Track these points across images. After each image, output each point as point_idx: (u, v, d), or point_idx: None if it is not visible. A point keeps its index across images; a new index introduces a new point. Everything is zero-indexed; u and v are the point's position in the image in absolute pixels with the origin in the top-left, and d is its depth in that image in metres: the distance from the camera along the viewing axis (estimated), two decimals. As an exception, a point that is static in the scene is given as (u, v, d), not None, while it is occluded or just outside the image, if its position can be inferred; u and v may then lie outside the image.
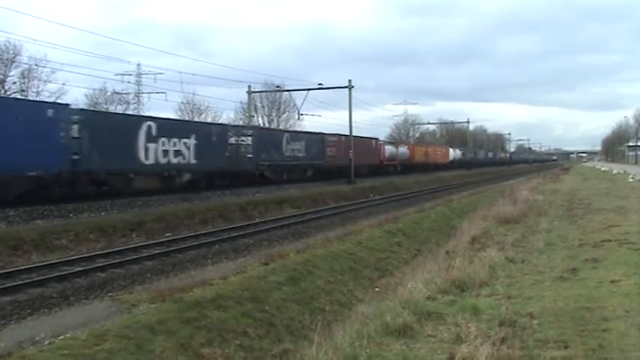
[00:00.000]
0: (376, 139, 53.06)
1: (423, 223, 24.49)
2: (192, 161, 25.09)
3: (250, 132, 31.19)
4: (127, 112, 49.80)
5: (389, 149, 53.43)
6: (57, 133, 18.57)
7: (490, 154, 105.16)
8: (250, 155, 29.77)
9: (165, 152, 23.55)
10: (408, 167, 56.11)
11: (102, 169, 20.58)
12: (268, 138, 33.16)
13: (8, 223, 15.78)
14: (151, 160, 22.70)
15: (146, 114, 55.48)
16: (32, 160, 17.40)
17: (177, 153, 24.24)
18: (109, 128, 21.05)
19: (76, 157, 19.26)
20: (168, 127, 24.32)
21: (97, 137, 20.07)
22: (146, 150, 22.45)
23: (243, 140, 29.53)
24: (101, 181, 21.14)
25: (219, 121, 58.75)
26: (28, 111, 18.43)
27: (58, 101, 24.34)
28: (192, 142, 25.02)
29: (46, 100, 38.32)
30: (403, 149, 57.92)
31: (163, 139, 23.33)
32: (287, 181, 33.32)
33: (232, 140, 28.62)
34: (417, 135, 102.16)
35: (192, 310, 9.80)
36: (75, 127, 19.30)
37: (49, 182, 18.76)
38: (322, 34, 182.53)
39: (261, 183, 30.63)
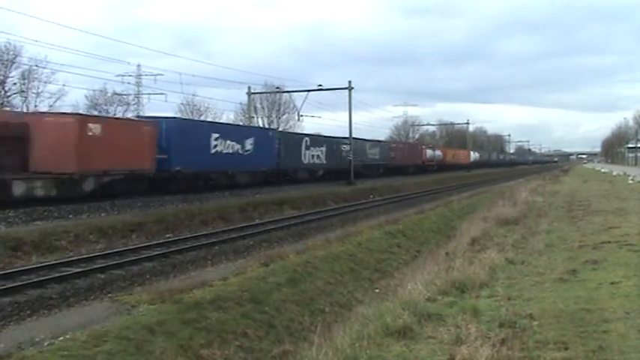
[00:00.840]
0: (420, 144, 68.78)
1: (423, 225, 24.48)
2: (324, 162, 40.17)
3: (347, 142, 43.19)
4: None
5: (429, 152, 65.65)
6: (272, 146, 32.77)
7: (501, 156, 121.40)
8: (350, 158, 42.35)
9: (312, 156, 38.36)
10: (441, 166, 68.13)
11: (288, 167, 34.85)
12: (358, 146, 45.48)
13: (8, 224, 15.77)
14: (306, 161, 37.59)
15: (146, 114, 56.06)
16: (264, 161, 31.40)
17: (317, 157, 39.18)
18: (290, 142, 35.86)
19: (277, 159, 33.09)
20: (314, 140, 39.55)
21: (286, 147, 34.40)
22: (304, 155, 37.13)
23: (344, 147, 42.92)
24: (286, 174, 34.72)
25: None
26: (265, 134, 33.90)
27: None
28: (324, 149, 40.09)
29: (46, 100, 42.34)
30: (438, 152, 69.71)
31: (312, 147, 38.29)
32: (371, 176, 45.92)
33: (341, 147, 42.80)
34: (417, 136, 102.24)
35: (192, 311, 9.80)
36: (277, 142, 33.55)
37: (268, 174, 32.32)
38: (323, 34, 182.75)
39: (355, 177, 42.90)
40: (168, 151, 23.54)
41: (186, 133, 25.09)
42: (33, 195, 18.27)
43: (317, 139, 40.74)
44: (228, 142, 28.05)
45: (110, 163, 20.64)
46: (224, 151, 27.63)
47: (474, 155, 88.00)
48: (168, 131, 24.00)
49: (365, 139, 48.68)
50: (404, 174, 52.55)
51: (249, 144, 29.85)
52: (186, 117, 62.60)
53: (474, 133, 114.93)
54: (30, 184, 18.33)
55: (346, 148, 42.63)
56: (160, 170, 23.15)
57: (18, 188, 17.92)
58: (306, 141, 37.82)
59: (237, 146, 28.77)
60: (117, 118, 29.93)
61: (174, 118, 30.22)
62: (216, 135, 27.32)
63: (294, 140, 36.86)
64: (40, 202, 18.10)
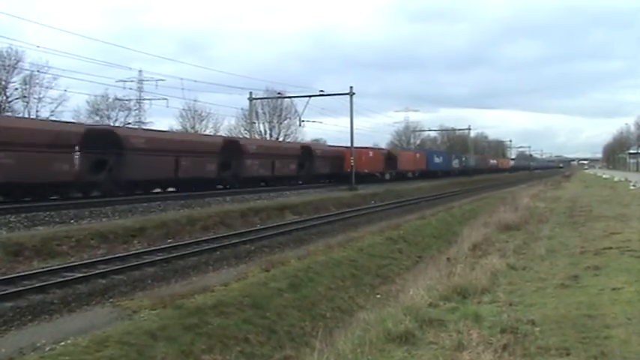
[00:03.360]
0: (487, 156, 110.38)
1: (425, 230, 24.49)
2: (458, 167, 78.73)
3: (466, 156, 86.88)
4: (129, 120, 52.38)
5: (491, 161, 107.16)
6: (445, 159, 74.04)
7: (525, 163, 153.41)
8: (465, 164, 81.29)
9: (454, 164, 77.46)
10: (495, 170, 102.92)
11: (448, 169, 73.04)
12: (467, 157, 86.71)
13: (9, 229, 15.80)
14: (453, 167, 76.24)
15: (148, 121, 56.69)
16: (444, 167, 71.52)
17: (456, 164, 78.52)
18: (447, 157, 76.23)
19: (447, 166, 72.82)
20: (455, 155, 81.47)
21: (448, 160, 75.48)
22: (452, 163, 76.72)
23: (463, 159, 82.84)
24: (448, 172, 71.74)
25: (221, 128, 62.44)
26: (442, 154, 77.42)
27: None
28: (458, 160, 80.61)
29: (48, 105, 43.26)
30: (494, 161, 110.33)
31: (455, 159, 79.19)
32: (473, 174, 79.18)
33: (462, 159, 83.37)
34: (418, 142, 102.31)
35: (194, 316, 9.80)
36: (446, 157, 75.41)
37: (444, 172, 70.14)
38: (326, 40, 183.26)
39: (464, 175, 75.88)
40: (428, 162, 63.47)
41: (430, 155, 66.35)
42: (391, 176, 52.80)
43: (457, 155, 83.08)
44: (439, 158, 69.20)
45: (414, 167, 59.20)
46: (438, 162, 68.29)
47: (511, 162, 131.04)
48: (427, 155, 65.39)
49: (469, 155, 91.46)
50: (482, 173, 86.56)
51: (441, 158, 70.05)
52: (187, 122, 63.77)
53: (475, 139, 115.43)
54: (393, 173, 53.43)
55: (463, 159, 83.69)
56: (427, 169, 61.97)
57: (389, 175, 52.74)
58: (452, 156, 79.13)
59: (440, 160, 69.04)
60: (417, 151, 66.48)
61: (428, 150, 76.61)
62: (435, 155, 69.21)
63: (449, 156, 77.52)
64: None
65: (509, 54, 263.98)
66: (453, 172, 73.26)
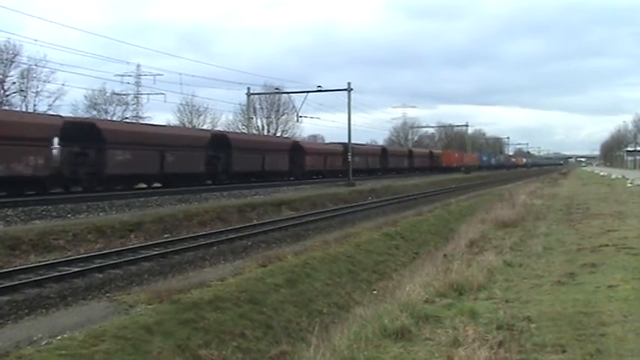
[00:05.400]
0: (511, 156, 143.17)
1: (422, 227, 24.49)
2: (495, 163, 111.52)
3: (499, 155, 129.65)
4: (127, 115, 52.74)
5: (512, 159, 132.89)
6: (488, 156, 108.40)
7: (534, 160, 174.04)
8: (497, 161, 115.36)
9: (493, 160, 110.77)
10: (514, 166, 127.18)
11: (491, 165, 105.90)
12: (502, 156, 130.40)
13: (6, 223, 15.77)
14: (491, 163, 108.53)
15: (145, 115, 56.73)
16: (485, 163, 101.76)
17: (494, 161, 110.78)
18: (487, 156, 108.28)
19: (489, 162, 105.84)
20: (493, 154, 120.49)
21: (489, 157, 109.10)
22: (492, 161, 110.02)
23: (499, 157, 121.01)
24: (490, 166, 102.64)
25: (218, 124, 62.89)
26: (487, 154, 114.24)
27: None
28: (493, 158, 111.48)
29: (45, 99, 43.78)
30: (514, 159, 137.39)
31: (492, 158, 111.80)
32: (496, 168, 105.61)
33: (497, 157, 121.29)
34: (416, 138, 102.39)
35: (190, 311, 9.79)
36: (489, 156, 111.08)
37: (494, 166, 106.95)
38: (327, 36, 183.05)
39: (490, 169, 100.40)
40: (480, 160, 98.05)
41: (480, 155, 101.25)
42: (464, 170, 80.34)
43: (494, 155, 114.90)
44: (485, 157, 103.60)
45: (473, 163, 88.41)
46: (484, 159, 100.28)
47: (525, 160, 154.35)
48: (479, 155, 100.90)
49: (500, 155, 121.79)
50: (505, 168, 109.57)
51: (486, 157, 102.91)
52: (185, 117, 63.79)
53: (473, 136, 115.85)
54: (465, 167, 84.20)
55: (497, 157, 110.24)
56: (480, 165, 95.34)
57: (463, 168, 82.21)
58: (491, 155, 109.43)
59: (485, 158, 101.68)
60: (475, 152, 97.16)
61: (480, 151, 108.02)
62: (483, 154, 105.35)
63: (489, 155, 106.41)
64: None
65: (509, 51, 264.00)
66: (491, 167, 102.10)
